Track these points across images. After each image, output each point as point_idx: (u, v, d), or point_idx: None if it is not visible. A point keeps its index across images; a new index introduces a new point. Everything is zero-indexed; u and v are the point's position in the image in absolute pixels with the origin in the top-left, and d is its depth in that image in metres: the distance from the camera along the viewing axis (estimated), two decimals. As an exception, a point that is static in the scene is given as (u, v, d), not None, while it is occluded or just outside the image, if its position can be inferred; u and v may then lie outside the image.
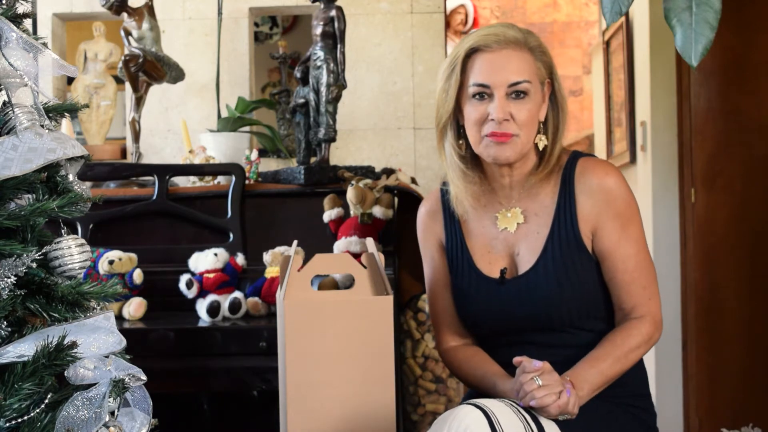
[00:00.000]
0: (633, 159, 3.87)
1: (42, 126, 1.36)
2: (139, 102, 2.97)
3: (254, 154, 2.71)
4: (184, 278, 2.31)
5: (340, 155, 3.48)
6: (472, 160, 1.81)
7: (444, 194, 1.87)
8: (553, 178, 1.78)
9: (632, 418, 1.75)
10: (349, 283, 2.20)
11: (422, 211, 1.92)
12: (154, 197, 2.52)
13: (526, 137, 1.73)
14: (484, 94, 1.72)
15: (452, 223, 1.85)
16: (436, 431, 1.56)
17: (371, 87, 3.55)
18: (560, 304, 1.72)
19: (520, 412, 1.57)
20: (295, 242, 1.91)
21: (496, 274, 1.79)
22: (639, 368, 1.81)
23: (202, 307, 2.26)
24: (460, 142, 1.80)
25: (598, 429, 1.68)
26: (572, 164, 1.77)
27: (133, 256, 2.34)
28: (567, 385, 1.60)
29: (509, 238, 1.79)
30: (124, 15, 2.92)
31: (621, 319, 1.76)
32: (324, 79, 2.49)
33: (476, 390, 1.84)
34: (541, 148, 1.77)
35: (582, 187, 1.75)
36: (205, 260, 2.34)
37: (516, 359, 1.65)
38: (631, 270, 1.73)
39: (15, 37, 1.35)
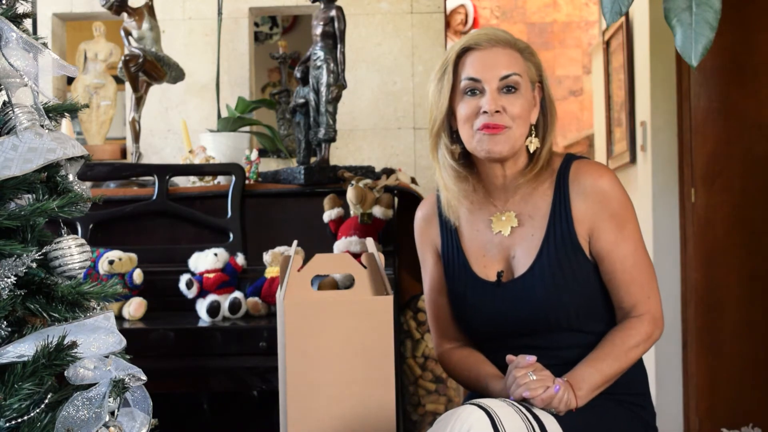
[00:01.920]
0: (633, 159, 3.87)
1: (42, 126, 1.36)
2: (139, 102, 2.97)
3: (254, 154, 2.71)
4: (184, 278, 2.31)
5: (340, 155, 3.48)
6: (465, 165, 1.82)
7: (440, 200, 1.88)
8: (546, 180, 1.79)
9: (633, 416, 1.76)
10: (349, 283, 2.20)
11: (418, 216, 1.93)
12: (154, 197, 2.52)
13: (519, 131, 1.75)
14: (475, 89, 1.75)
15: (448, 228, 1.87)
16: (438, 431, 1.56)
17: (371, 87, 3.55)
18: (557, 305, 1.73)
19: (523, 412, 1.58)
20: (295, 242, 1.91)
21: (492, 278, 1.80)
22: (639, 367, 1.82)
23: (202, 307, 2.26)
24: (454, 146, 1.81)
25: (599, 426, 1.68)
26: (566, 167, 1.79)
27: (133, 256, 2.35)
28: (557, 382, 1.62)
29: (504, 241, 1.80)
30: (124, 15, 2.92)
31: (621, 319, 1.78)
32: (324, 79, 2.49)
33: (471, 391, 1.85)
34: (531, 150, 1.79)
35: (576, 189, 1.76)
36: (205, 260, 2.34)
37: (509, 357, 1.68)
38: (629, 269, 1.74)
39: (15, 37, 1.35)
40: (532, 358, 1.65)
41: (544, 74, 1.82)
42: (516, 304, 1.75)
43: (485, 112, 1.72)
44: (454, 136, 1.81)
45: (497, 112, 1.72)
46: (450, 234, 1.86)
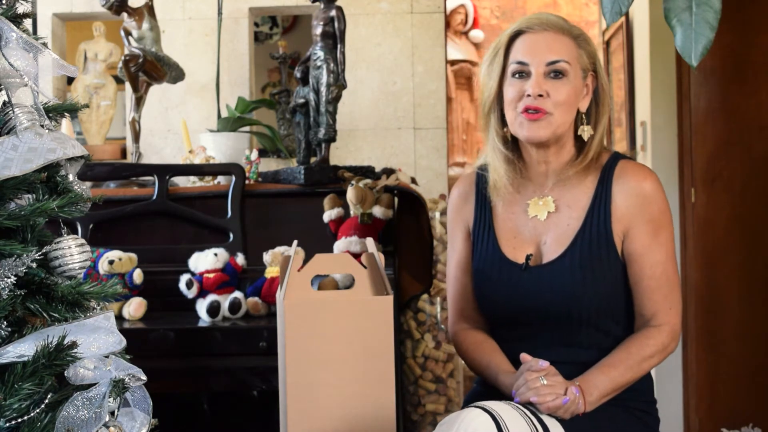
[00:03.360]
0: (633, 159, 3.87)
1: (42, 126, 1.36)
2: (139, 102, 2.97)
3: (254, 154, 2.71)
4: (184, 278, 2.31)
5: (340, 155, 3.48)
6: (513, 149, 1.83)
7: (479, 177, 1.89)
8: (591, 174, 1.79)
9: (637, 421, 1.75)
10: (349, 283, 2.20)
11: (454, 193, 1.94)
12: (154, 197, 2.52)
13: (561, 118, 1.75)
14: (522, 72, 1.75)
15: (483, 206, 1.87)
16: (442, 434, 1.56)
17: (371, 87, 3.55)
18: (580, 298, 1.72)
19: (527, 416, 1.58)
20: (295, 242, 1.91)
21: (520, 260, 1.79)
22: (647, 375, 1.81)
23: (202, 307, 2.26)
24: (505, 129, 1.82)
25: (604, 431, 1.68)
26: (612, 164, 1.79)
27: (133, 256, 2.34)
28: (569, 392, 1.61)
29: (538, 226, 1.80)
30: (124, 15, 2.92)
31: (640, 326, 1.77)
32: (324, 79, 2.49)
33: (478, 375, 1.85)
34: (585, 138, 1.79)
35: (619, 187, 1.76)
36: (205, 260, 2.34)
37: (523, 355, 1.67)
38: (657, 276, 1.74)
39: (15, 37, 1.35)
40: (545, 363, 1.65)
41: (598, 63, 1.81)
42: (540, 289, 1.75)
43: (528, 95, 1.73)
44: (504, 120, 1.81)
45: (540, 96, 1.72)
46: (484, 212, 1.86)
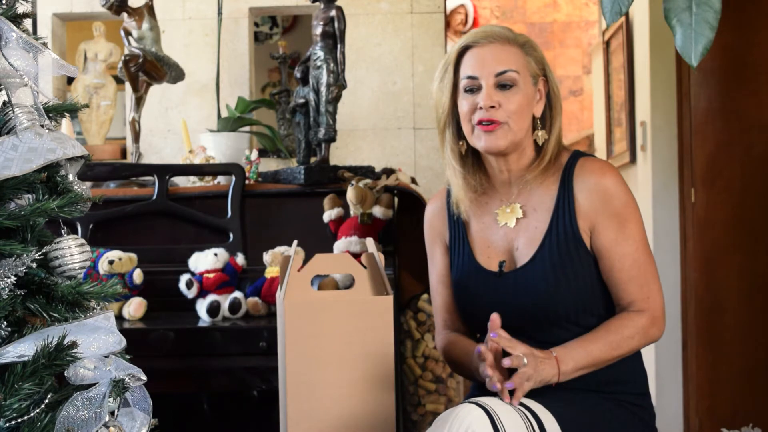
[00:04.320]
0: (633, 159, 3.87)
1: (42, 126, 1.36)
2: (139, 102, 2.97)
3: (254, 154, 2.71)
4: (184, 278, 2.31)
5: (340, 155, 3.48)
6: (473, 161, 1.87)
7: (449, 194, 1.92)
8: (552, 175, 1.82)
9: (632, 416, 1.76)
10: (349, 283, 2.20)
11: (428, 210, 1.98)
12: (154, 197, 2.53)
13: (517, 126, 1.78)
14: (473, 86, 1.78)
15: (456, 221, 1.90)
16: (437, 430, 1.56)
17: (371, 87, 3.55)
18: (556, 297, 1.75)
19: (522, 411, 1.59)
20: (295, 242, 1.92)
21: (495, 268, 1.82)
22: (639, 367, 1.82)
23: (202, 307, 2.26)
24: (461, 142, 1.85)
25: (598, 426, 1.69)
26: (572, 163, 1.81)
27: (133, 256, 2.35)
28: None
29: (509, 233, 1.83)
30: (124, 15, 2.92)
31: (619, 313, 1.78)
32: (324, 79, 2.49)
33: (463, 370, 1.86)
34: (540, 143, 1.83)
35: (580, 185, 1.78)
36: (205, 260, 2.34)
37: (492, 318, 1.68)
38: (628, 268, 1.75)
39: (15, 37, 1.35)
40: (496, 315, 1.68)
41: (548, 68, 1.84)
42: (516, 293, 1.77)
43: (481, 107, 1.76)
44: (460, 132, 1.84)
45: (492, 107, 1.76)
46: (458, 226, 1.89)
